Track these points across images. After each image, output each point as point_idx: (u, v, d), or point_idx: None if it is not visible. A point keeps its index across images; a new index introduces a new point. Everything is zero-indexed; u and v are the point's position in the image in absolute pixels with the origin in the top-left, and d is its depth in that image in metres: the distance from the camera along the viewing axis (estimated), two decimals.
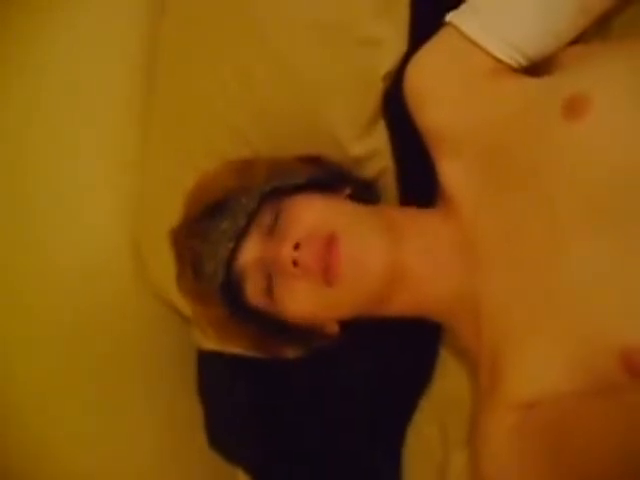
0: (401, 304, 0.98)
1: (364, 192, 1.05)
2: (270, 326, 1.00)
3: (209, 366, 1.25)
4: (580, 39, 0.97)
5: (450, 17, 0.97)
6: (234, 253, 0.95)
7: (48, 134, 1.13)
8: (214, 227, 0.96)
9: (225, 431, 1.26)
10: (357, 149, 1.07)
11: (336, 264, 0.90)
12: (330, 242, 0.91)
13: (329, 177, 1.03)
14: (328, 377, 1.16)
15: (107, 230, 1.20)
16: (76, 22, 1.13)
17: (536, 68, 0.97)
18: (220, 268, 0.95)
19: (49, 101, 1.13)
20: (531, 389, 0.85)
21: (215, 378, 1.24)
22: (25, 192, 1.12)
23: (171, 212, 1.04)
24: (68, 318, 1.15)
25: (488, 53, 0.94)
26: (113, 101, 1.18)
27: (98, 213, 1.19)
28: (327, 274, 0.90)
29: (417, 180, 1.06)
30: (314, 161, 1.04)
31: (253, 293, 0.97)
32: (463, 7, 0.97)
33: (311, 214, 0.94)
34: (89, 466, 1.17)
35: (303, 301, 0.94)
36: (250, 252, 0.96)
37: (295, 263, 0.91)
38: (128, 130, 1.19)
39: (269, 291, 0.95)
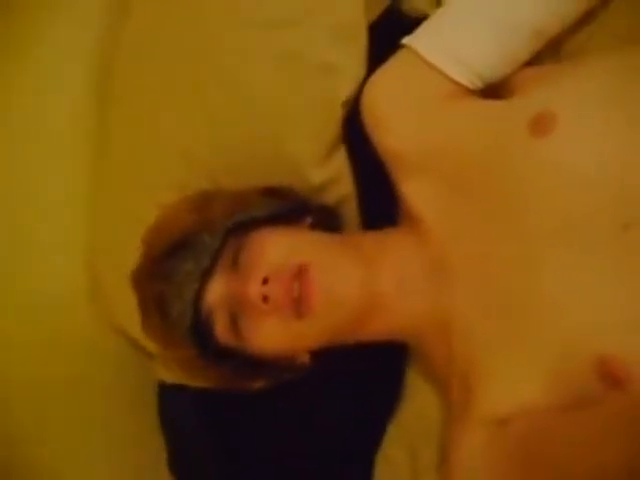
0: (373, 330, 0.97)
1: (326, 220, 1.04)
2: (241, 362, 0.98)
3: (171, 399, 1.22)
4: (533, 61, 0.99)
5: (406, 40, 0.98)
6: (200, 294, 0.93)
7: (4, 163, 1.10)
8: (177, 268, 0.94)
9: (189, 465, 1.23)
10: (318, 176, 1.06)
11: (309, 295, 0.89)
12: (301, 273, 0.89)
13: (289, 208, 1.01)
14: (292, 407, 1.14)
15: (64, 263, 1.17)
16: (39, 53, 1.11)
17: (492, 91, 0.98)
18: (187, 310, 0.93)
19: (8, 131, 1.10)
20: (506, 404, 0.85)
21: (178, 411, 1.21)
22: None
23: (129, 246, 1.01)
24: (24, 352, 1.12)
25: (444, 75, 0.95)
26: (74, 131, 1.16)
27: (55, 246, 1.16)
28: (300, 306, 0.89)
29: (379, 205, 1.06)
30: (273, 193, 1.03)
31: (221, 332, 0.95)
32: (419, 30, 0.98)
33: (275, 248, 0.93)
34: None
35: (273, 336, 0.92)
36: (216, 291, 0.94)
37: (265, 299, 0.89)
38: (84, 161, 1.16)
39: (234, 328, 0.94)
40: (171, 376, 1.16)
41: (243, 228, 0.96)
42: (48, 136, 1.13)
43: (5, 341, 1.09)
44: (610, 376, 0.78)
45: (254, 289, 0.90)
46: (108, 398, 1.21)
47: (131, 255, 1.01)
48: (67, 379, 1.15)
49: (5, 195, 1.10)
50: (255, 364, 0.98)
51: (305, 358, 1.01)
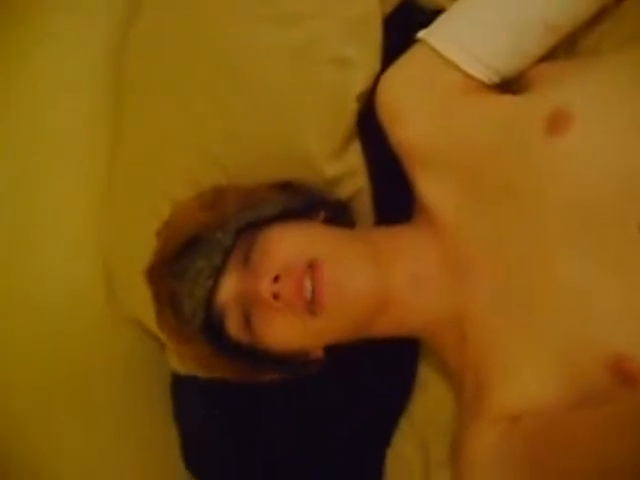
0: (386, 326, 0.97)
1: (339, 215, 1.04)
2: (255, 358, 0.98)
3: (184, 390, 1.22)
4: (550, 56, 0.99)
5: (422, 34, 0.98)
6: (212, 292, 0.93)
7: (12, 164, 1.10)
8: (190, 265, 0.94)
9: (202, 453, 1.23)
10: (332, 170, 1.06)
11: (321, 292, 0.88)
12: (312, 269, 0.89)
13: (302, 204, 1.01)
14: (304, 399, 1.15)
15: (76, 256, 1.17)
16: (45, 52, 1.11)
17: (508, 86, 0.98)
18: (199, 308, 0.93)
19: (13, 131, 1.10)
20: (518, 401, 0.85)
21: (190, 401, 1.22)
22: None
23: (143, 240, 1.02)
24: (40, 349, 1.12)
25: (459, 69, 0.96)
26: (82, 130, 1.16)
27: (68, 238, 1.16)
28: (312, 304, 0.89)
29: (393, 200, 1.06)
30: (285, 187, 1.03)
31: (234, 329, 0.95)
32: (434, 24, 0.98)
33: (286, 245, 0.93)
34: None
35: (286, 333, 0.93)
36: (228, 289, 0.94)
37: (276, 296, 0.89)
38: (98, 158, 1.17)
39: (247, 325, 0.94)
40: (184, 367, 1.17)
41: (255, 225, 0.96)
42: (56, 135, 1.13)
43: (13, 339, 1.10)
44: (623, 374, 0.79)
45: (265, 287, 0.90)
46: (120, 393, 1.21)
47: (145, 248, 1.02)
48: (77, 375, 1.16)
49: (13, 195, 1.11)
50: (269, 360, 0.98)
51: (319, 353, 1.01)
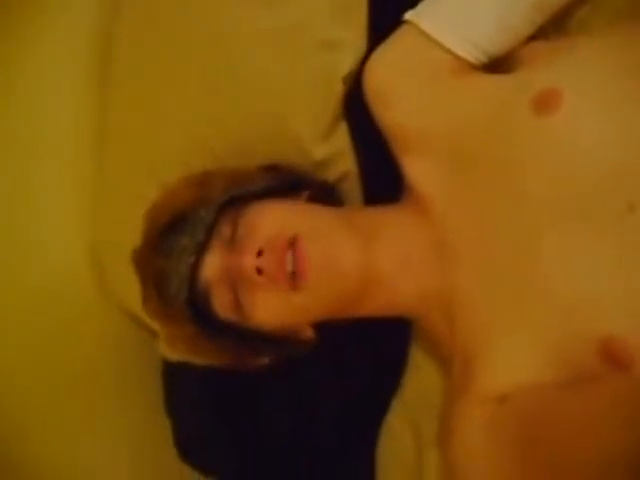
0: (373, 304, 0.97)
1: (324, 195, 1.04)
2: (244, 337, 0.98)
3: (175, 378, 1.22)
4: (539, 35, 0.98)
5: (408, 15, 0.97)
6: (195, 268, 0.93)
7: (12, 162, 1.11)
8: (175, 244, 0.93)
9: (194, 441, 1.23)
10: (320, 152, 1.06)
11: (303, 267, 0.88)
12: (294, 243, 0.89)
13: (286, 183, 1.01)
14: (298, 382, 1.15)
15: (67, 245, 1.18)
16: (37, 35, 1.11)
17: (497, 66, 0.97)
18: (183, 285, 0.92)
19: (12, 131, 1.11)
20: (506, 381, 0.84)
21: (182, 389, 1.22)
22: None
23: (132, 225, 1.01)
24: (34, 338, 1.12)
25: (447, 50, 0.95)
26: (71, 114, 1.16)
27: (57, 228, 1.16)
28: (294, 279, 0.89)
29: (381, 182, 1.06)
30: (272, 169, 1.03)
31: (221, 307, 0.94)
32: (421, 5, 0.97)
33: (269, 220, 0.92)
34: None
35: (272, 309, 0.92)
36: (212, 266, 0.93)
37: (259, 271, 0.89)
38: (87, 144, 1.17)
39: (236, 303, 0.93)
40: (174, 353, 1.15)
41: (239, 202, 0.96)
42: (55, 133, 1.15)
43: (4, 328, 1.10)
44: (613, 358, 0.78)
45: (248, 261, 0.89)
46: (120, 378, 1.22)
47: (135, 236, 1.01)
48: (71, 364, 1.16)
49: (10, 189, 1.11)
50: (258, 339, 0.98)
51: (309, 333, 1.01)
